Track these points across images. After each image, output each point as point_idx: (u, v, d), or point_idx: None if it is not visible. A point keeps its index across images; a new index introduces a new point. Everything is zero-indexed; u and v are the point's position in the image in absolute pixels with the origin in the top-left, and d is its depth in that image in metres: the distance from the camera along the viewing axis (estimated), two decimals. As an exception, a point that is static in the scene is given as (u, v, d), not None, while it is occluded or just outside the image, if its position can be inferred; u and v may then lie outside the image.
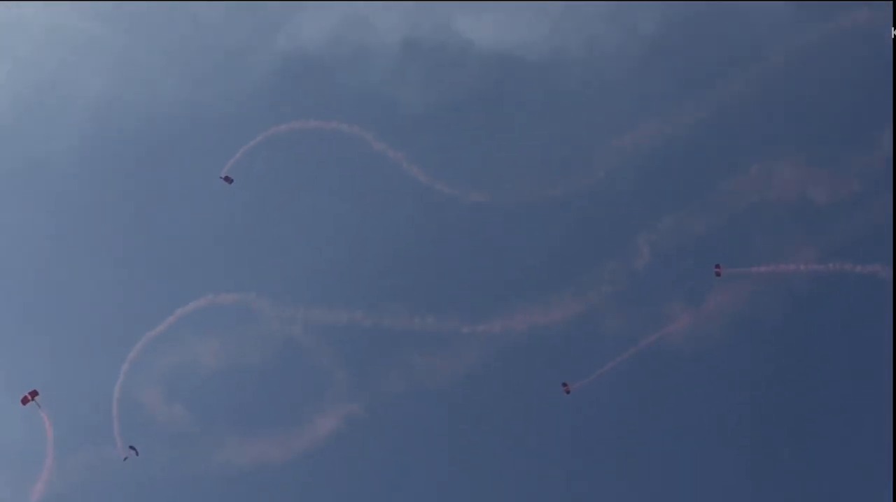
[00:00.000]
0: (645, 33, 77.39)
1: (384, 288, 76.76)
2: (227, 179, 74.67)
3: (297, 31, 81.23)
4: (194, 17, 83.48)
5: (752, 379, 75.10)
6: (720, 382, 75.34)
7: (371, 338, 74.72)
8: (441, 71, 79.90)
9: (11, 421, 75.40)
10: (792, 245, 71.06)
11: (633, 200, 75.40)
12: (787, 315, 72.39)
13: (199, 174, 79.42)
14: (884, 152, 68.43)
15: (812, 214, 70.28)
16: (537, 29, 77.83)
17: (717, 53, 75.57)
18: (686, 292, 72.88)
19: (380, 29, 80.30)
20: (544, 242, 76.79)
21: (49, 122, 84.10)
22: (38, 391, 70.97)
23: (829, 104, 73.29)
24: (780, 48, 72.44)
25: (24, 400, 70.96)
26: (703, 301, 72.83)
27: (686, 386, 75.69)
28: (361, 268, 77.63)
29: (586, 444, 75.84)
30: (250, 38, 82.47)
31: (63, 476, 74.45)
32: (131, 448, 71.99)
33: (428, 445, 76.66)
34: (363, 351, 75.38)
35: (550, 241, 76.75)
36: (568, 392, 72.67)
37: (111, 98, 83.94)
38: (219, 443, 74.46)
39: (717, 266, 71.17)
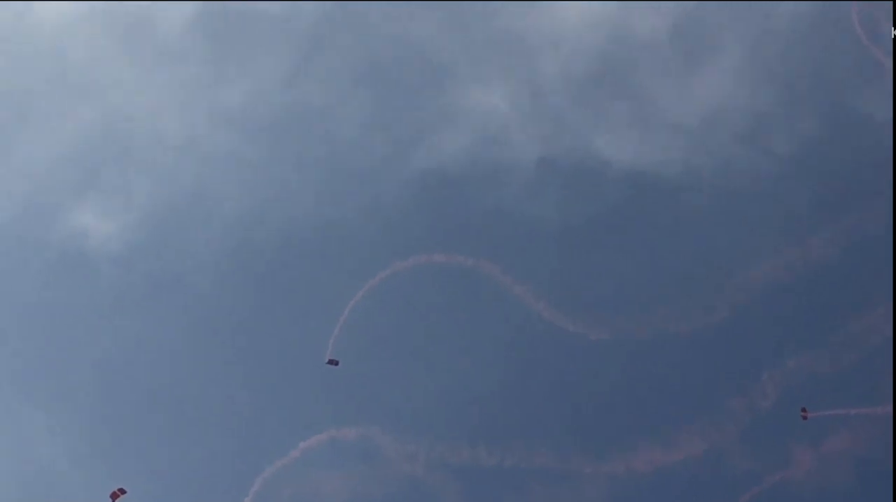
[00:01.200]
0: (780, 151, 77.81)
1: (506, 426, 76.20)
2: (333, 362, 74.64)
3: (433, 147, 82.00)
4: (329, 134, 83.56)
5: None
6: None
7: (493, 477, 73.88)
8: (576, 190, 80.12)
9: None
10: None
11: (759, 336, 75.05)
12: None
13: (329, 298, 78.86)
14: None
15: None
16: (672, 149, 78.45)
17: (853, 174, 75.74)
18: (809, 433, 72.28)
19: (516, 146, 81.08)
20: (668, 379, 76.39)
21: (184, 238, 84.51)
22: (127, 490, 69.81)
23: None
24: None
25: (114, 496, 69.75)
26: (826, 441, 72.19)
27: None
28: (484, 406, 77.24)
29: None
30: (385, 155, 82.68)
31: None
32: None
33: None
34: (485, 489, 74.36)
35: (674, 378, 76.36)
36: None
37: (246, 214, 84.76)
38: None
39: (804, 409, 70.77)
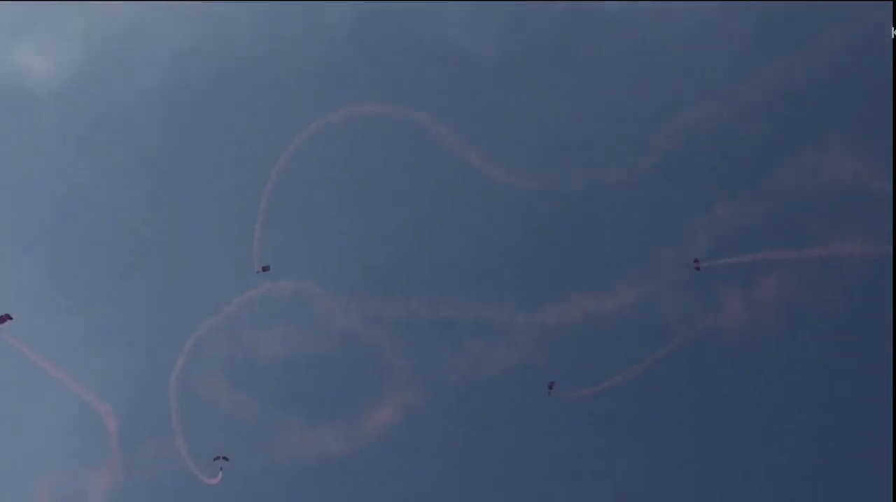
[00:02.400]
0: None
1: (439, 278, 76.68)
2: (265, 269, 74.12)
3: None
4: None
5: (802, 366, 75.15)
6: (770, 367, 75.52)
7: (428, 329, 74.66)
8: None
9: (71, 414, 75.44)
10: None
11: (690, 185, 75.09)
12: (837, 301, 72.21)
13: (271, 140, 77.99)
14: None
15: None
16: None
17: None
18: (740, 280, 72.85)
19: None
20: (600, 229, 76.62)
21: (124, 74, 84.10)
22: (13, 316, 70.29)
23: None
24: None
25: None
26: (756, 288, 72.82)
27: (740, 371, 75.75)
28: (416, 258, 77.69)
29: (644, 429, 75.81)
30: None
31: (126, 470, 74.59)
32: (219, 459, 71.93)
33: (485, 433, 76.52)
34: (420, 341, 75.17)
35: (606, 228, 76.58)
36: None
37: (188, 49, 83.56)
38: (280, 433, 74.51)
39: (696, 260, 71.51)
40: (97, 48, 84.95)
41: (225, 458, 71.44)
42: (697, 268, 71.15)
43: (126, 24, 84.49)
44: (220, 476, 72.08)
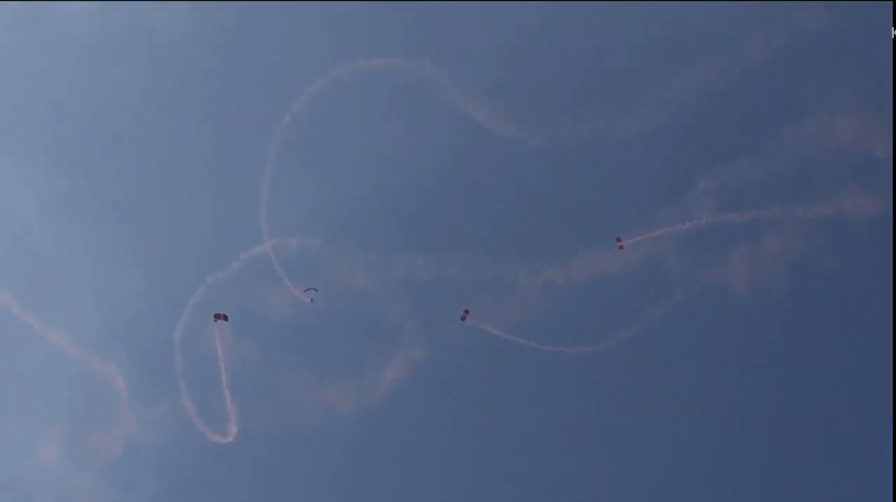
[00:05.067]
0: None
1: (446, 235, 76.94)
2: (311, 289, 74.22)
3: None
4: None
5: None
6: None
7: (433, 287, 74.83)
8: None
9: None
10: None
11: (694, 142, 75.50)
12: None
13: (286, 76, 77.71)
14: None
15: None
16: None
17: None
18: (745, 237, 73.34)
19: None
20: (606, 186, 76.98)
21: None
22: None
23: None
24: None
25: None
26: (761, 245, 73.34)
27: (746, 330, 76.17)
28: (423, 214, 77.81)
29: (651, 390, 76.21)
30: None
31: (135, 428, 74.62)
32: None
33: (489, 392, 76.84)
34: (425, 299, 75.29)
35: (612, 185, 76.90)
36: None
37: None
38: (288, 389, 74.58)
39: (619, 239, 72.01)
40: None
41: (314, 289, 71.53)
42: (621, 248, 71.98)
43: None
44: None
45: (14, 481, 75.83)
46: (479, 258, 74.90)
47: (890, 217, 71.06)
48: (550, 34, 77.83)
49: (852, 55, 72.23)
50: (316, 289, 72.56)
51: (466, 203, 77.88)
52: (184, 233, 78.78)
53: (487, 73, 75.99)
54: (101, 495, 75.28)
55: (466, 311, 73.64)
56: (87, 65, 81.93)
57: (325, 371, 75.28)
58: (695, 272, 73.79)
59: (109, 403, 74.72)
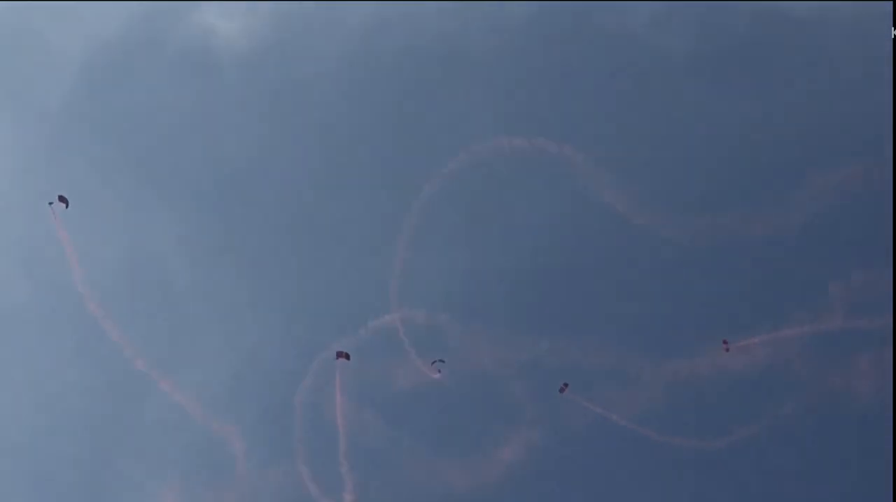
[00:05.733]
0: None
1: (572, 322, 76.84)
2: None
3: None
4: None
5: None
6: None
7: (556, 372, 74.46)
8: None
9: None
10: None
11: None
12: None
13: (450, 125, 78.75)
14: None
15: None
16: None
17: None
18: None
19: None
20: (745, 282, 76.75)
21: (309, 42, 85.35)
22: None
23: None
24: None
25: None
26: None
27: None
28: (550, 298, 77.84)
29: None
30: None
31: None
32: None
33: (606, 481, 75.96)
34: (546, 383, 74.83)
35: (750, 280, 76.71)
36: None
37: (370, 22, 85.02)
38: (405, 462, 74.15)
39: (725, 341, 71.67)
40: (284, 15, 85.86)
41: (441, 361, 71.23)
42: (727, 350, 71.40)
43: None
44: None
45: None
46: (604, 345, 74.64)
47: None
48: (697, 127, 78.57)
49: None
50: (444, 361, 72.48)
51: (596, 289, 77.81)
52: (317, 294, 79.09)
53: (629, 159, 76.38)
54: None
55: (566, 384, 73.11)
56: (235, 118, 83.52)
57: (442, 446, 74.83)
58: (820, 376, 73.09)
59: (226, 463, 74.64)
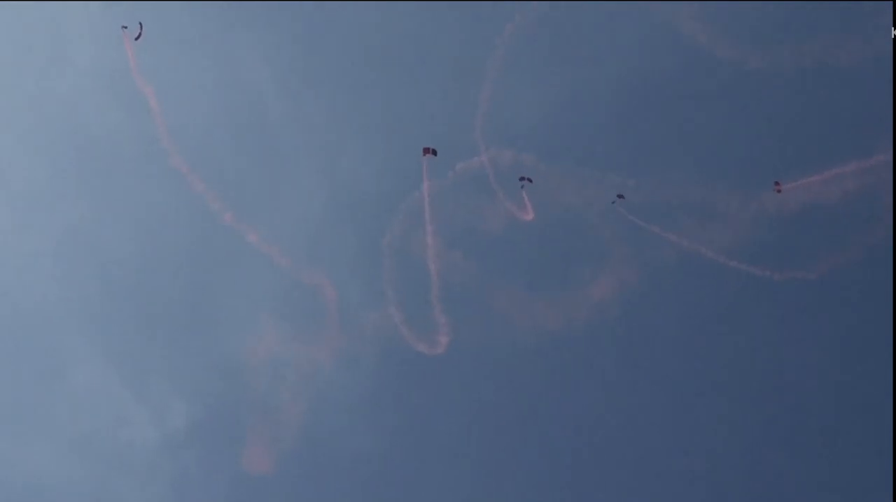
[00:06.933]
0: None
1: (659, 157, 76.34)
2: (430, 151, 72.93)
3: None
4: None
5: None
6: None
7: (643, 210, 74.13)
8: None
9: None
10: None
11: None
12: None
13: None
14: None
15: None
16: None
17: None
18: None
19: None
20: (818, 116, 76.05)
21: None
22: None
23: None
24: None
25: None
26: None
27: None
28: (636, 136, 77.23)
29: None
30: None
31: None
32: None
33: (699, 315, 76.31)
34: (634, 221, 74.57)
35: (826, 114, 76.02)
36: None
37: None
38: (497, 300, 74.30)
39: (777, 183, 70.99)
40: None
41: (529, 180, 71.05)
42: (779, 191, 70.92)
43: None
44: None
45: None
46: (691, 181, 74.22)
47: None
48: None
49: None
50: (531, 180, 71.76)
51: (683, 125, 77.16)
52: (406, 134, 78.28)
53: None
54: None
55: (620, 196, 72.48)
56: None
57: (533, 286, 75.03)
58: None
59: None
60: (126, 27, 65.52)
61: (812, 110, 76.55)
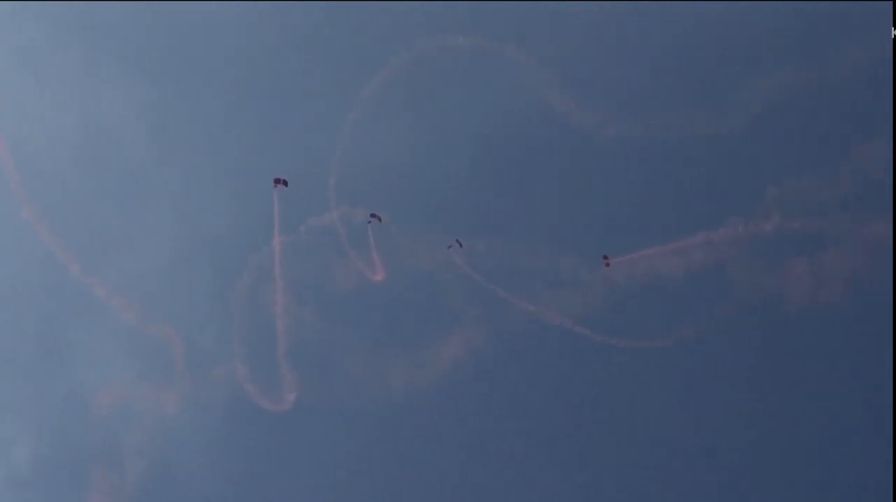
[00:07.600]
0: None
1: (509, 222, 77.05)
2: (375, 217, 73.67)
3: None
4: None
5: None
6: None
7: (496, 275, 74.63)
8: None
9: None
10: None
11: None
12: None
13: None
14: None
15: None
16: None
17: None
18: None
19: None
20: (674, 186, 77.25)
21: None
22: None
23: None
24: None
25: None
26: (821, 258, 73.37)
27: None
28: (486, 200, 77.87)
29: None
30: None
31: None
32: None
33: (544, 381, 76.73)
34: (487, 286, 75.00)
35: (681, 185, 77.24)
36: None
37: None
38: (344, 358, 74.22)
39: (606, 257, 72.54)
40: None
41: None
42: (607, 265, 72.34)
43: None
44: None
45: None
46: (540, 246, 74.90)
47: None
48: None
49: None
50: (380, 219, 72.05)
51: (536, 188, 77.90)
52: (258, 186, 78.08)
53: (569, 62, 76.01)
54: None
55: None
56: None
57: (381, 345, 75.00)
58: (754, 280, 73.95)
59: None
60: None
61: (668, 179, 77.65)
